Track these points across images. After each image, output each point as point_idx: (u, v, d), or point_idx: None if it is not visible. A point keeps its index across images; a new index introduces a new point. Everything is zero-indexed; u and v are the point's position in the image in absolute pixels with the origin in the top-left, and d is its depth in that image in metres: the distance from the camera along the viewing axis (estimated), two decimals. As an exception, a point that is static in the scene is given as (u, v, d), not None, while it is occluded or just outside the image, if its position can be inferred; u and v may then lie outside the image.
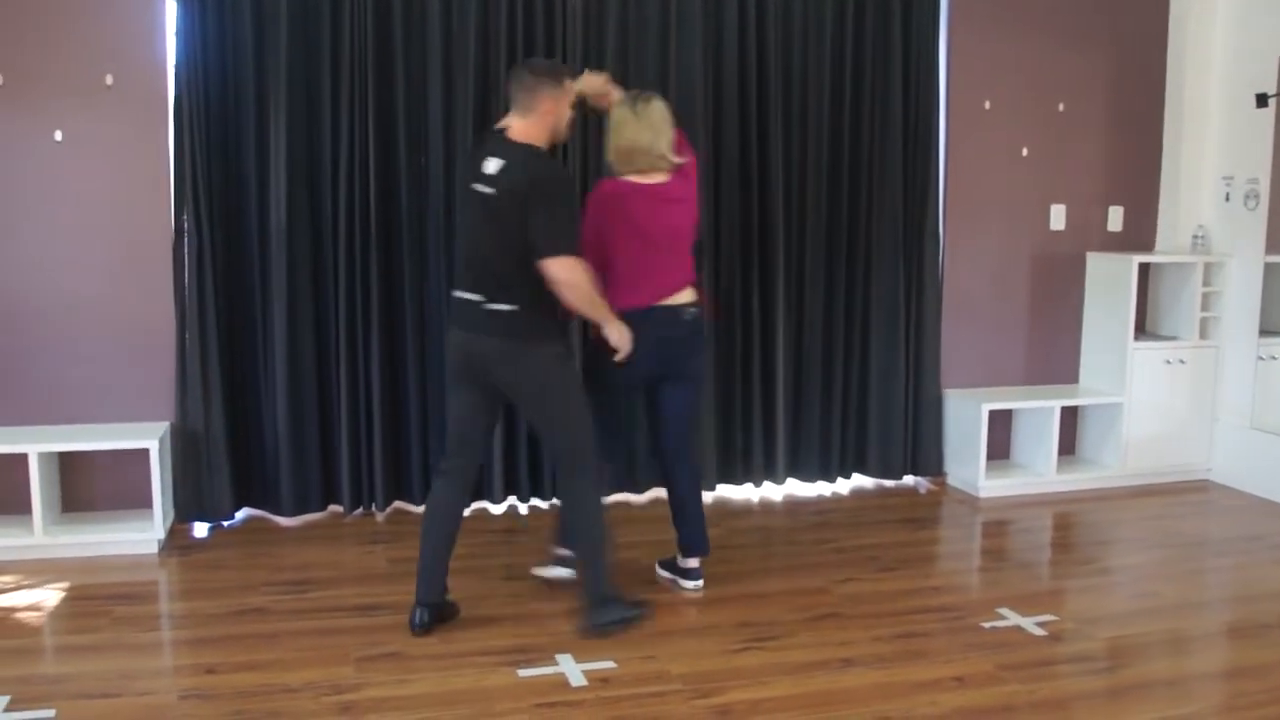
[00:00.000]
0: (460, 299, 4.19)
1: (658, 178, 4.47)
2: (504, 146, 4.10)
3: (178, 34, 5.17)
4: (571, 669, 3.94)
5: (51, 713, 3.56)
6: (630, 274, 4.42)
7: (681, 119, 5.70)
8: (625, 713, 3.64)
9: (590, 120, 5.37)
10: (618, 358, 4.29)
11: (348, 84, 5.36)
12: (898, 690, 3.83)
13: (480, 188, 4.06)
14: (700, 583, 4.74)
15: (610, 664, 3.99)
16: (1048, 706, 3.75)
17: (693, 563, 4.77)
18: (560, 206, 4.04)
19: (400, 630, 4.24)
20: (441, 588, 4.30)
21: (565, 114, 4.20)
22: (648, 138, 4.43)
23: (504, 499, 5.81)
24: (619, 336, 4.26)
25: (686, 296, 4.52)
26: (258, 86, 5.31)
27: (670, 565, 4.86)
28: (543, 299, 4.07)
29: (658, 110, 4.48)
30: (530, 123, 4.10)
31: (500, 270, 4.07)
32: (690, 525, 4.72)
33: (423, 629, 4.21)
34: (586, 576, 4.28)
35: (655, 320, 4.42)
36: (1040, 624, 4.42)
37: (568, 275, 4.00)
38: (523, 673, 3.91)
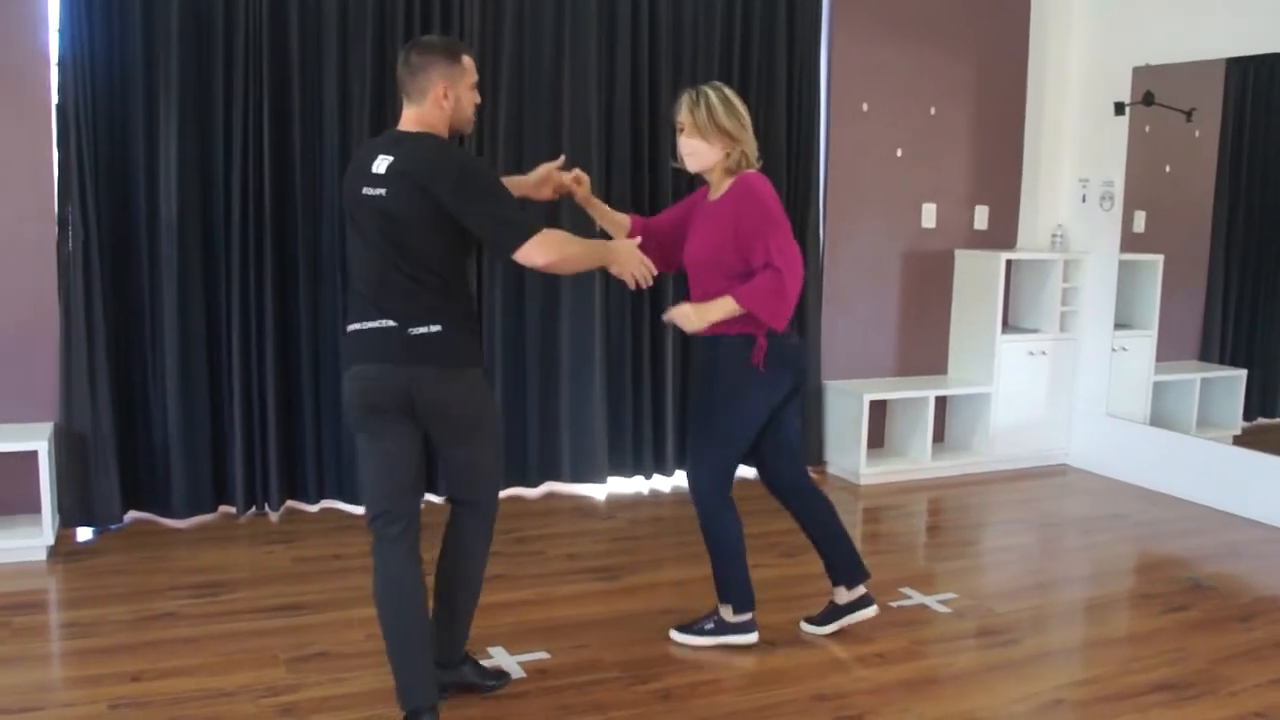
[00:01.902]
0: (360, 331, 3.45)
1: None
2: (395, 141, 3.46)
3: (62, 22, 4.98)
4: (507, 661, 3.97)
5: (-26, 726, 3.44)
6: None
7: (575, 116, 5.82)
8: (570, 701, 3.69)
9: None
10: (641, 281, 3.70)
11: (241, 77, 5.25)
12: (826, 668, 3.98)
13: (370, 191, 3.37)
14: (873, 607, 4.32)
15: (544, 655, 4.03)
16: (965, 677, 3.96)
17: (860, 589, 4.30)
18: (489, 192, 3.39)
19: (325, 629, 4.20)
20: (434, 680, 3.46)
21: (466, 98, 3.52)
22: None
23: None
24: (630, 260, 3.68)
25: None
26: (147, 78, 5.16)
27: (830, 614, 4.33)
28: (464, 315, 3.49)
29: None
30: (424, 110, 3.45)
31: (410, 287, 3.39)
32: (837, 547, 4.29)
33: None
34: (445, 630, 3.63)
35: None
36: (943, 601, 4.64)
37: (551, 254, 3.40)
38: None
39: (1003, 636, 4.34)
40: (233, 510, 5.50)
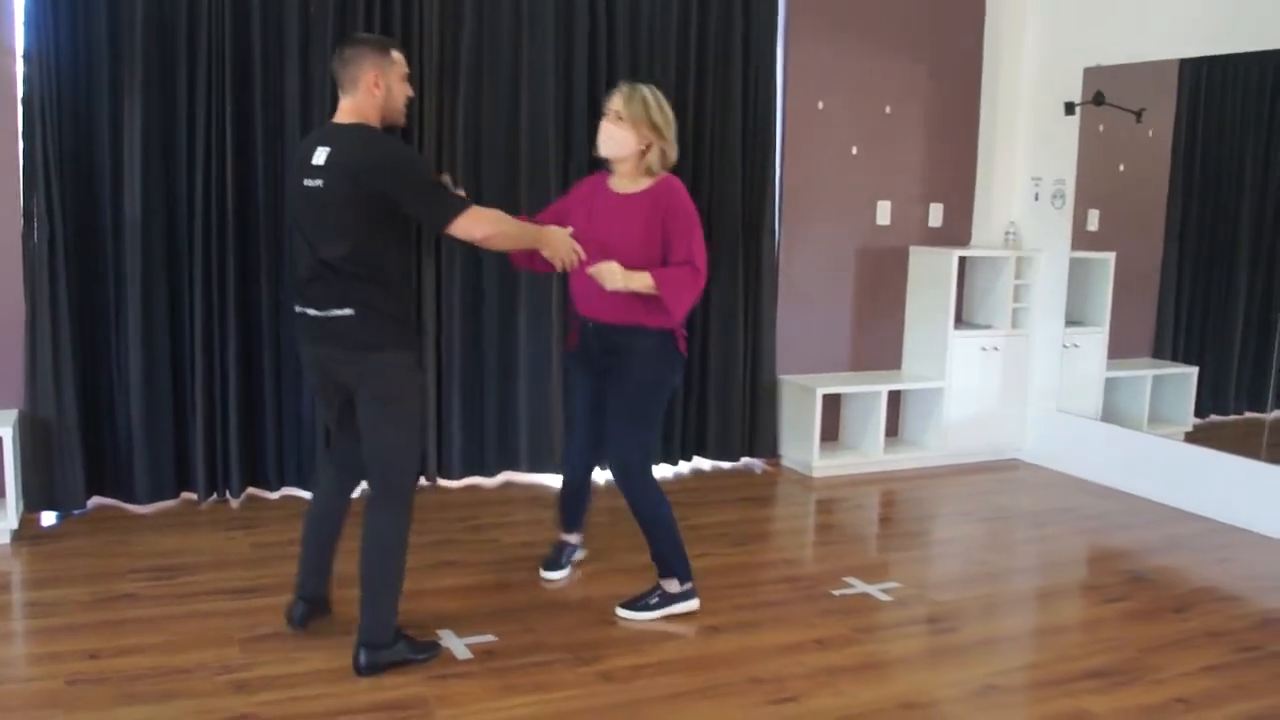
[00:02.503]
0: (297, 314, 3.86)
1: None
2: (332, 133, 3.73)
3: (28, 15, 5.06)
4: (455, 643, 4.08)
5: (-66, 701, 3.54)
6: None
7: (534, 117, 5.93)
8: (514, 681, 3.81)
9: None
10: (567, 265, 4.09)
11: (204, 72, 5.34)
12: (764, 653, 4.10)
13: (310, 182, 3.67)
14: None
15: (491, 637, 4.15)
16: (900, 663, 4.09)
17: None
18: (417, 178, 3.67)
19: (279, 611, 4.27)
20: (319, 585, 4.17)
21: (398, 89, 3.78)
22: None
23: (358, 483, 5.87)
24: (562, 245, 4.06)
25: None
26: (112, 72, 5.24)
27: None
28: (384, 300, 3.71)
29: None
30: (357, 101, 3.72)
31: (334, 271, 3.68)
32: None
33: (299, 624, 4.11)
34: (369, 612, 3.83)
35: None
36: (885, 590, 4.77)
37: (487, 228, 3.70)
38: (408, 649, 4.04)
39: (942, 624, 4.48)
40: (194, 497, 5.60)
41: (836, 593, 4.73)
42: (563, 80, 6.00)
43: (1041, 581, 5.17)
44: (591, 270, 4.16)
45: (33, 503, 5.31)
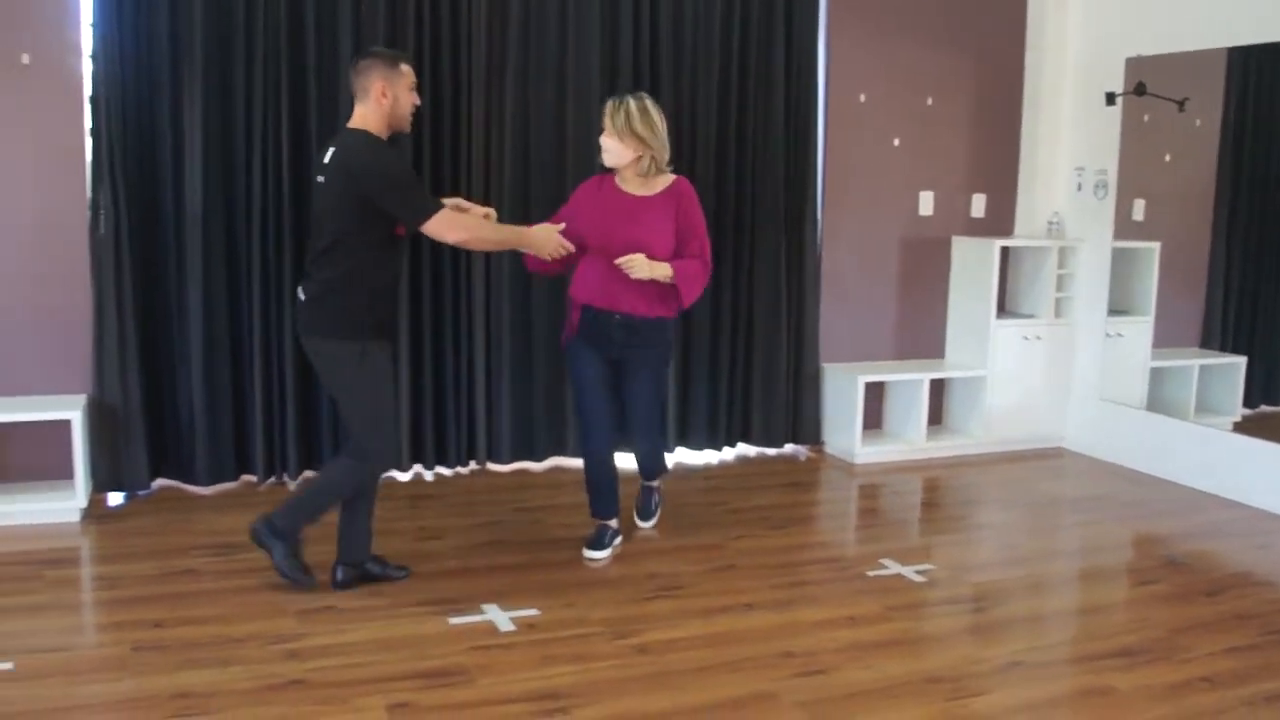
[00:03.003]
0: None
1: None
2: (340, 135, 4.26)
3: (95, 17, 5.29)
4: (499, 616, 4.25)
5: (9, 665, 3.74)
6: None
7: (580, 114, 6.08)
8: (554, 652, 3.97)
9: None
10: (553, 257, 4.56)
11: (260, 70, 5.55)
12: (797, 629, 4.24)
13: (318, 178, 4.22)
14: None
15: (534, 612, 4.31)
16: (929, 640, 4.21)
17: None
18: (396, 180, 4.12)
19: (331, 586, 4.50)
20: (363, 550, 4.53)
21: (404, 98, 4.23)
22: None
23: (409, 466, 6.08)
24: (547, 242, 4.51)
25: None
26: (173, 71, 5.47)
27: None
28: (342, 292, 4.16)
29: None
30: (366, 109, 4.18)
31: (314, 260, 4.24)
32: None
33: (340, 587, 4.45)
34: (290, 509, 4.37)
35: None
36: (919, 572, 4.87)
37: (457, 231, 4.18)
38: (453, 620, 4.21)
39: (973, 604, 4.59)
40: (253, 479, 5.83)
41: (871, 573, 4.85)
42: (607, 80, 6.14)
43: (1076, 565, 5.26)
44: (620, 261, 4.54)
45: (100, 484, 5.56)
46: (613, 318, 4.72)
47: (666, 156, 4.76)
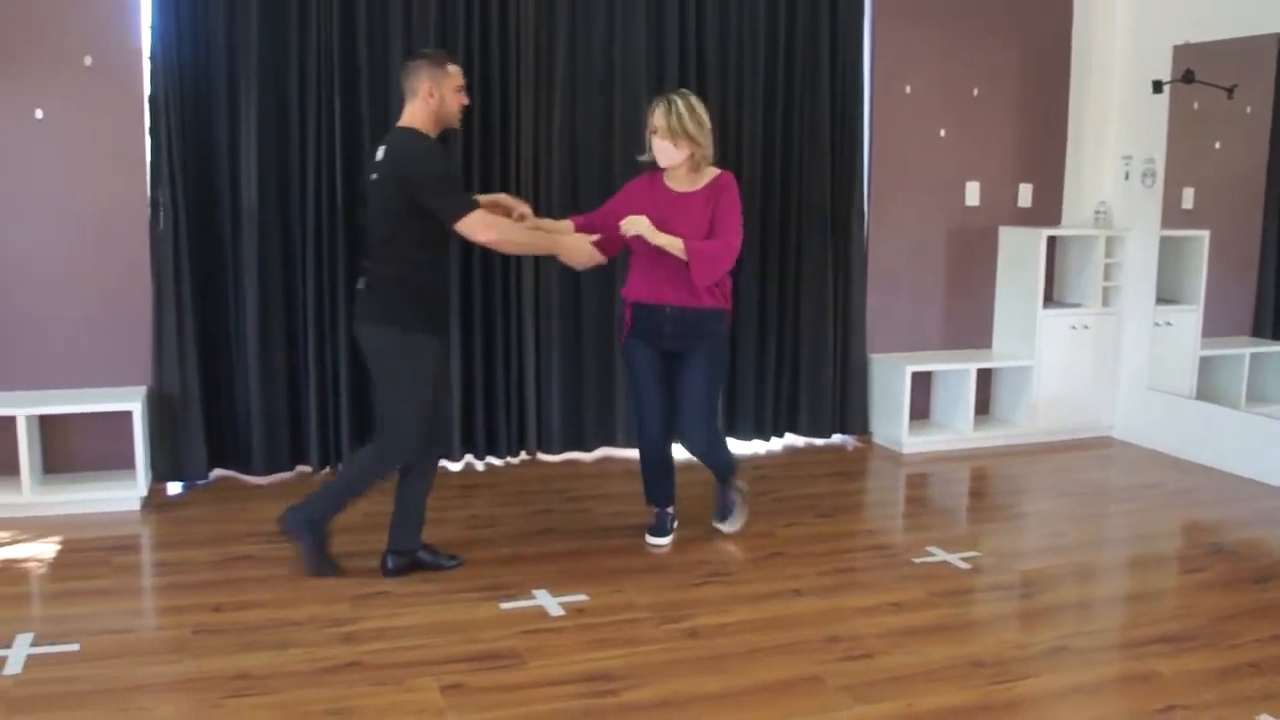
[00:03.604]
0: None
1: None
2: (390, 133, 4.41)
3: (153, 18, 5.43)
4: (549, 602, 4.34)
5: (76, 646, 3.87)
6: None
7: (627, 110, 6.15)
8: (604, 636, 4.04)
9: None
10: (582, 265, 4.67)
11: (314, 70, 5.66)
12: (843, 615, 4.29)
13: (371, 175, 4.37)
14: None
15: (583, 597, 4.39)
16: (974, 625, 4.24)
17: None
18: (437, 177, 4.25)
19: (387, 572, 4.62)
20: (414, 539, 4.64)
21: (451, 98, 4.36)
22: None
23: (461, 457, 6.18)
24: (579, 254, 4.60)
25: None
26: (229, 71, 5.59)
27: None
28: (397, 282, 4.32)
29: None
30: (414, 107, 4.33)
31: (370, 253, 4.42)
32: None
33: (391, 574, 4.58)
34: (320, 497, 4.53)
35: None
36: (964, 559, 4.91)
37: (488, 231, 4.27)
38: (504, 606, 4.30)
39: (1018, 591, 4.62)
40: (308, 469, 5.95)
41: (917, 560, 4.89)
42: (654, 75, 6.21)
43: (1122, 553, 5.27)
44: (623, 224, 4.65)
45: (160, 473, 5.70)
46: (663, 311, 4.76)
47: (712, 151, 4.78)
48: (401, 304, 4.33)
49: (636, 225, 4.60)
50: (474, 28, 5.88)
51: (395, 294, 4.33)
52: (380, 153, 4.33)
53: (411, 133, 4.31)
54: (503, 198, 4.71)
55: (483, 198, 4.67)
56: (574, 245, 4.58)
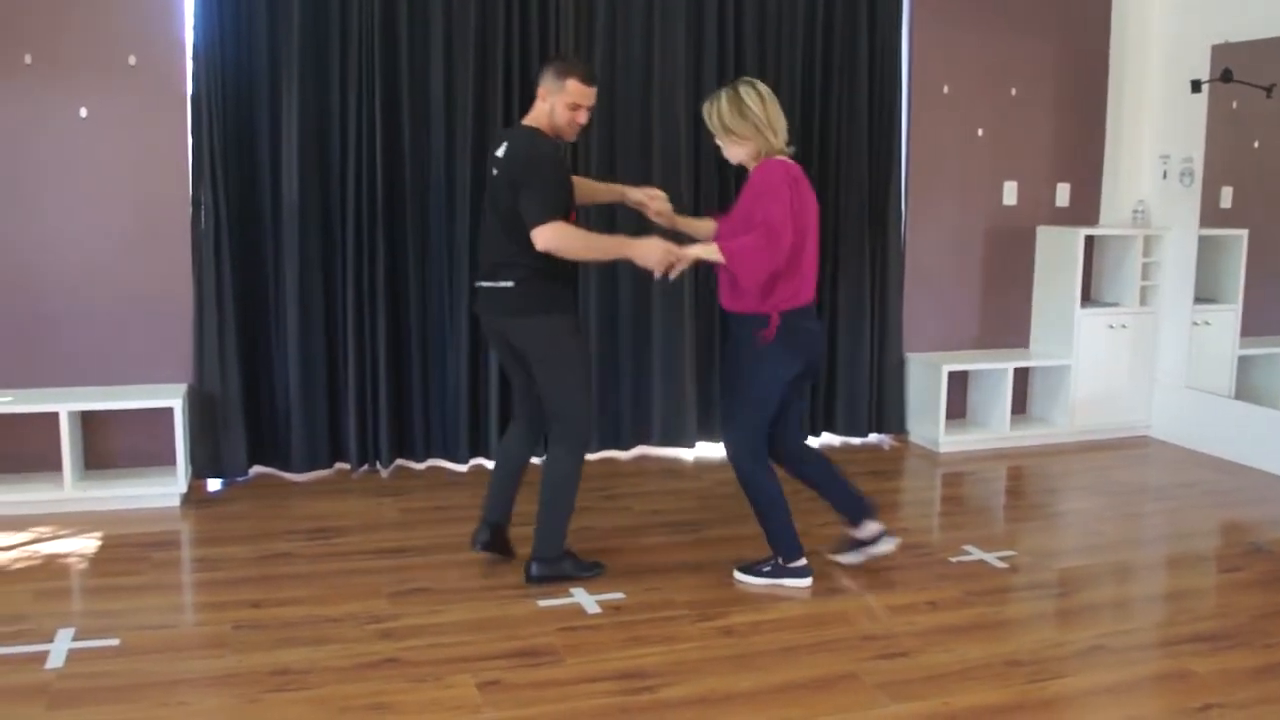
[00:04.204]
0: (477, 287, 4.55)
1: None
2: (511, 131, 4.48)
3: (195, 17, 5.50)
4: (586, 599, 4.36)
5: (116, 641, 3.93)
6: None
7: (665, 106, 6.16)
8: (640, 633, 4.07)
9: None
10: (665, 274, 4.35)
11: (355, 69, 5.71)
12: (879, 613, 4.29)
13: (494, 171, 4.39)
14: (893, 540, 4.75)
15: (620, 595, 4.42)
16: (1010, 624, 4.24)
17: (875, 525, 4.72)
18: (536, 178, 4.21)
19: (426, 569, 4.65)
20: (500, 514, 4.71)
21: (560, 111, 4.32)
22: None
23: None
24: (652, 253, 4.32)
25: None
26: (271, 70, 5.65)
27: (849, 545, 4.79)
28: (540, 273, 4.30)
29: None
30: (537, 107, 4.39)
31: (499, 249, 4.36)
32: (845, 492, 4.71)
33: (481, 547, 4.68)
34: (541, 529, 4.48)
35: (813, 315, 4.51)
36: (1001, 558, 4.90)
37: (550, 241, 4.18)
38: (542, 603, 4.33)
39: (1054, 590, 4.61)
40: (347, 466, 6.00)
41: (953, 559, 4.88)
42: (692, 74, 6.24)
43: (1159, 552, 5.24)
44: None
45: (200, 470, 5.77)
46: (725, 314, 4.62)
47: (776, 138, 4.34)
48: (543, 293, 4.36)
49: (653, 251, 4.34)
50: (514, 20, 5.91)
51: (542, 285, 4.34)
52: (500, 149, 4.37)
53: (529, 130, 4.37)
54: (643, 192, 4.73)
55: (631, 191, 4.75)
56: (647, 246, 4.34)
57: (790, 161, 4.36)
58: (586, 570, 4.59)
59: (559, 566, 4.53)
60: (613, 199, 4.85)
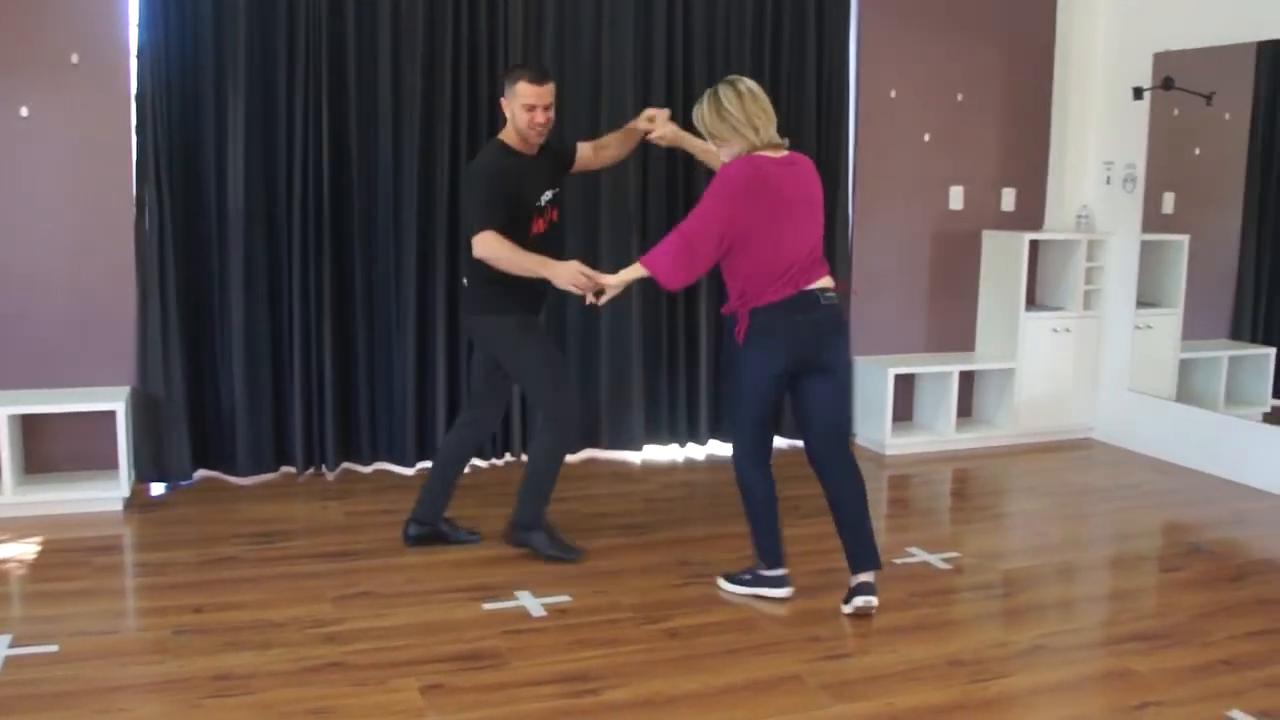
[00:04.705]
0: None
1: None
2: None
3: (140, 16, 5.44)
4: (531, 602, 4.35)
5: (55, 647, 3.87)
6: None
7: (614, 108, 6.16)
8: (585, 636, 4.07)
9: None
10: (586, 298, 4.37)
11: (302, 69, 5.67)
12: (825, 615, 4.31)
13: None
14: (873, 598, 4.33)
15: (566, 598, 4.41)
16: (954, 625, 4.28)
17: (864, 576, 4.35)
18: (475, 189, 4.51)
19: (371, 573, 4.63)
20: (435, 512, 4.96)
21: (519, 115, 4.52)
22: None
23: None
24: (564, 277, 4.35)
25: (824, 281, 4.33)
26: (216, 70, 5.60)
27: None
28: (489, 276, 4.52)
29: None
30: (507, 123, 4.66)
31: (466, 251, 4.60)
32: (854, 533, 4.39)
33: (411, 542, 4.94)
34: (522, 499, 4.84)
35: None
36: (945, 560, 4.94)
37: (481, 250, 4.43)
38: (487, 606, 4.32)
39: (997, 590, 4.65)
40: (293, 470, 5.96)
41: (898, 561, 4.92)
42: (641, 79, 6.24)
43: (1101, 552, 5.31)
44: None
45: (143, 474, 5.70)
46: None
47: (757, 135, 4.19)
48: (488, 293, 4.63)
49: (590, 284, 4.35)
50: (462, 23, 5.89)
51: (490, 288, 4.60)
52: None
53: (488, 145, 4.69)
54: (643, 118, 4.98)
55: (635, 123, 5.01)
56: (564, 271, 4.37)
57: (768, 157, 4.20)
58: (556, 549, 4.82)
59: (533, 537, 4.82)
60: (631, 142, 5.11)
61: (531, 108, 4.50)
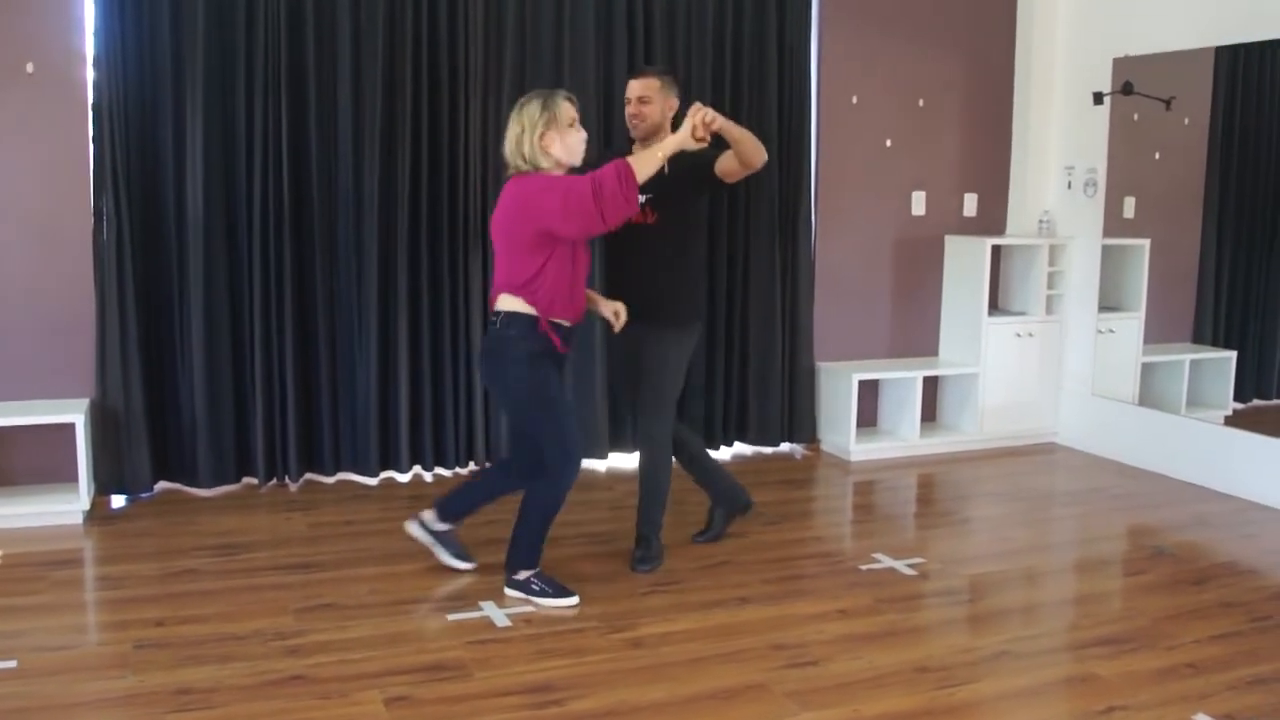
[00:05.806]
0: None
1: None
2: None
3: (97, 24, 5.38)
4: (496, 613, 4.33)
5: (13, 663, 3.82)
6: None
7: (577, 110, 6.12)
8: (549, 646, 4.04)
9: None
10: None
11: (261, 77, 5.62)
12: (790, 622, 4.31)
13: None
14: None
15: (530, 608, 4.39)
16: (920, 631, 4.28)
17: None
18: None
19: (333, 584, 4.59)
20: (736, 496, 5.28)
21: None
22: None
23: (409, 468, 6.15)
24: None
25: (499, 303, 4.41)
26: (175, 79, 5.54)
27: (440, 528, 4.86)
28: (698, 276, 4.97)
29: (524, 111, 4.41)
30: None
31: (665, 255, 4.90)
32: (474, 499, 4.87)
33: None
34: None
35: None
36: (910, 565, 4.95)
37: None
38: (452, 617, 4.29)
39: (962, 596, 4.66)
40: (255, 481, 5.90)
41: (863, 567, 4.92)
42: (602, 81, 6.23)
43: (1065, 557, 5.33)
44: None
45: (103, 486, 5.64)
46: None
47: (518, 156, 4.36)
48: (699, 298, 5.06)
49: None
50: (422, 30, 5.86)
51: (697, 291, 5.03)
52: None
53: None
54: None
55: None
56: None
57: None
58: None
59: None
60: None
61: (627, 100, 4.87)
